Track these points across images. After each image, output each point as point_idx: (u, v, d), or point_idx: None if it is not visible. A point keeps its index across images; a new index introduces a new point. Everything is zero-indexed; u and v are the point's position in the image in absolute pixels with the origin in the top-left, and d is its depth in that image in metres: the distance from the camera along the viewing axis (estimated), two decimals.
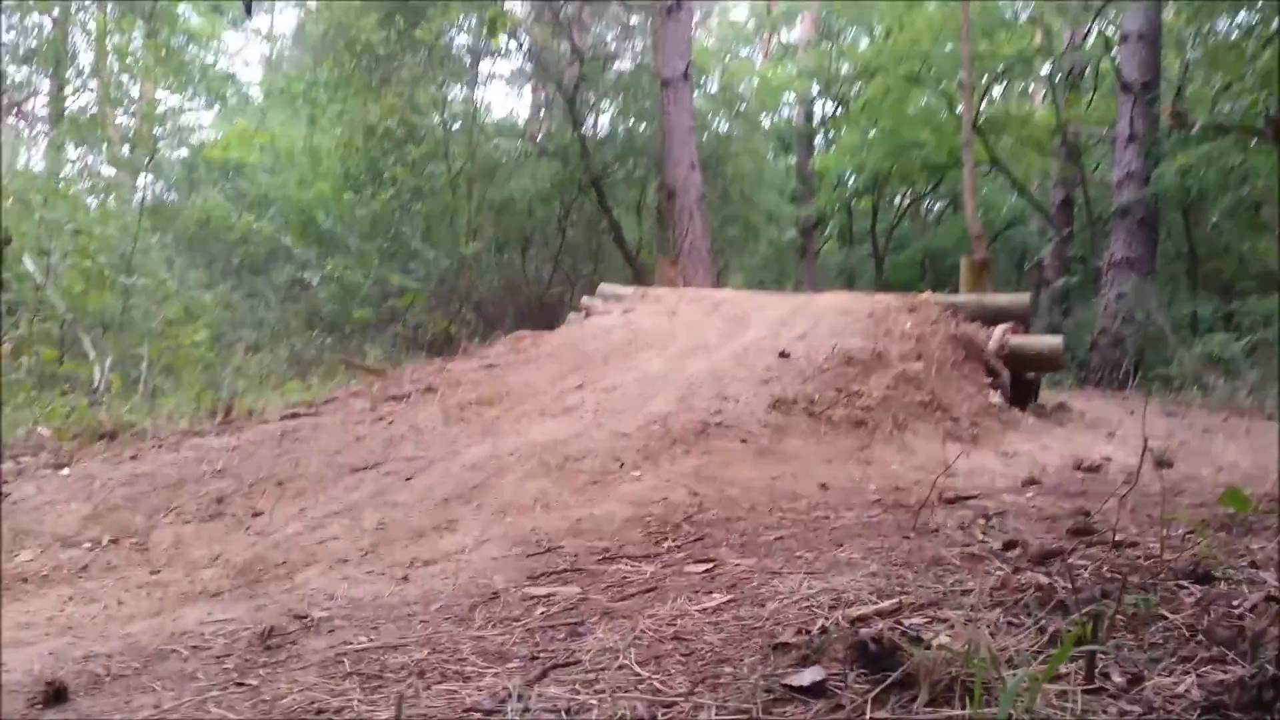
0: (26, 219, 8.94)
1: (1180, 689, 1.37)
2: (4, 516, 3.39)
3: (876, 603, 1.85)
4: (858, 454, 4.21)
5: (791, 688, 1.45)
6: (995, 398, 5.91)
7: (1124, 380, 11.43)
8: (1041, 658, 1.50)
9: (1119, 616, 1.65)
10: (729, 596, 2.07)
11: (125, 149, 18.82)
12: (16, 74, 18.58)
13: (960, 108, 16.21)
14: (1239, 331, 10.73)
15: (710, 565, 2.38)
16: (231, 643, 2.13)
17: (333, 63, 15.24)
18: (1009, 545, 2.41)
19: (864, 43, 22.30)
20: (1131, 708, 1.33)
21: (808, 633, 1.68)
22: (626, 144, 17.43)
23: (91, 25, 18.09)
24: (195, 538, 3.25)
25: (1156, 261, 13.22)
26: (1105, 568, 2.10)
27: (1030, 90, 21.83)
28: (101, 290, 8.84)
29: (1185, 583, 1.93)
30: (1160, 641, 1.58)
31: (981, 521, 2.80)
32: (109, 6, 17.19)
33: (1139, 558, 2.20)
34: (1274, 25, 10.94)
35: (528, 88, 20.70)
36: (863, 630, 1.60)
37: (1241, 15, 12.83)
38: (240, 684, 1.85)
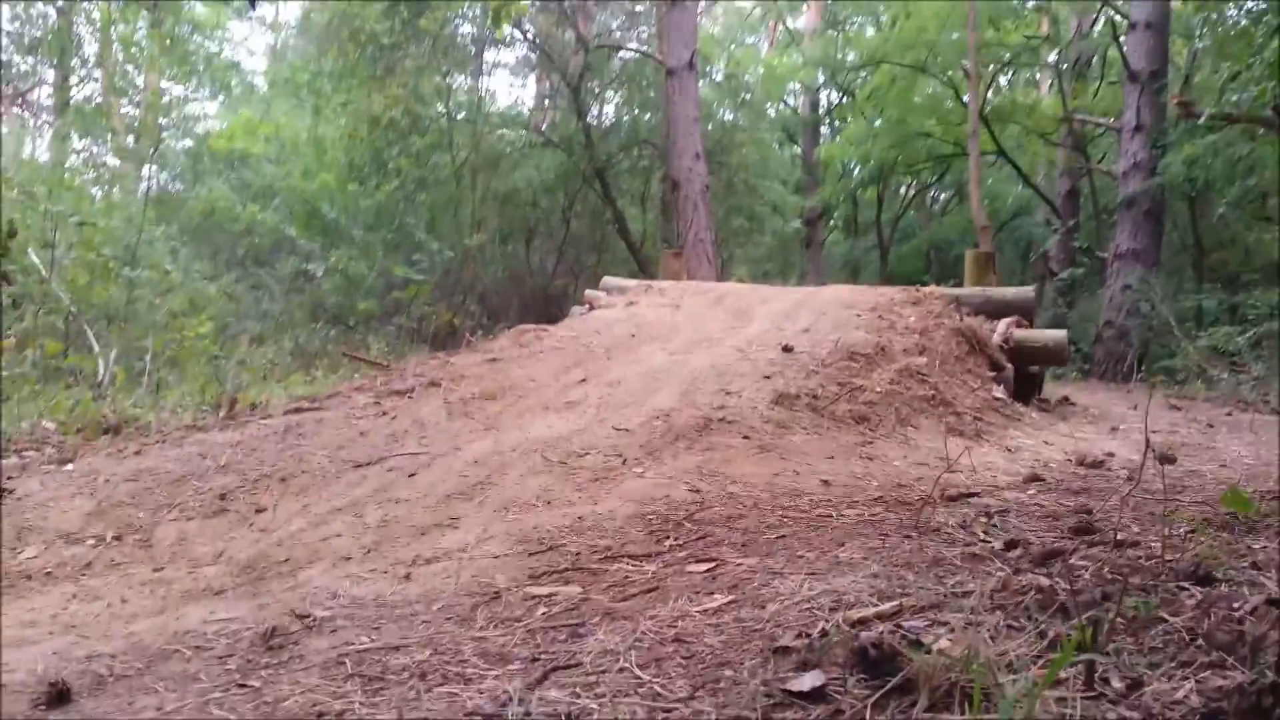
0: (31, 211, 8.95)
1: (1179, 695, 1.38)
2: (8, 513, 3.40)
3: (877, 605, 1.85)
4: (860, 449, 4.20)
5: (791, 693, 1.46)
6: (999, 392, 5.90)
7: (1128, 373, 11.41)
8: (1041, 662, 1.50)
9: (1119, 620, 1.65)
10: (730, 597, 2.07)
11: (130, 139, 18.85)
12: (22, 64, 18.61)
13: (966, 97, 16.15)
14: (1244, 324, 10.68)
15: (712, 565, 2.39)
16: (234, 643, 2.13)
17: (337, 52, 15.23)
18: (1010, 545, 2.41)
19: (870, 31, 22.22)
20: (1131, 714, 1.33)
21: (808, 636, 1.68)
22: (631, 134, 17.41)
23: (96, 15, 18.10)
24: (198, 534, 3.26)
25: (1162, 253, 13.18)
26: (1106, 568, 2.10)
27: (1037, 79, 21.74)
28: (106, 283, 8.87)
29: (1186, 584, 1.93)
30: (1160, 646, 1.58)
31: (983, 520, 2.79)
32: None
33: (1140, 558, 2.20)
34: None
35: (532, 77, 20.67)
36: (863, 634, 1.60)
37: (1250, 3, 12.77)
38: (243, 685, 1.86)
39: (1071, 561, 2.19)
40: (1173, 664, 1.48)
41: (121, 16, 17.22)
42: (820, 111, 23.85)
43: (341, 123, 15.87)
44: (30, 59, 18.96)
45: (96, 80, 19.22)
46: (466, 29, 17.14)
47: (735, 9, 26.47)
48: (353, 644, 2.04)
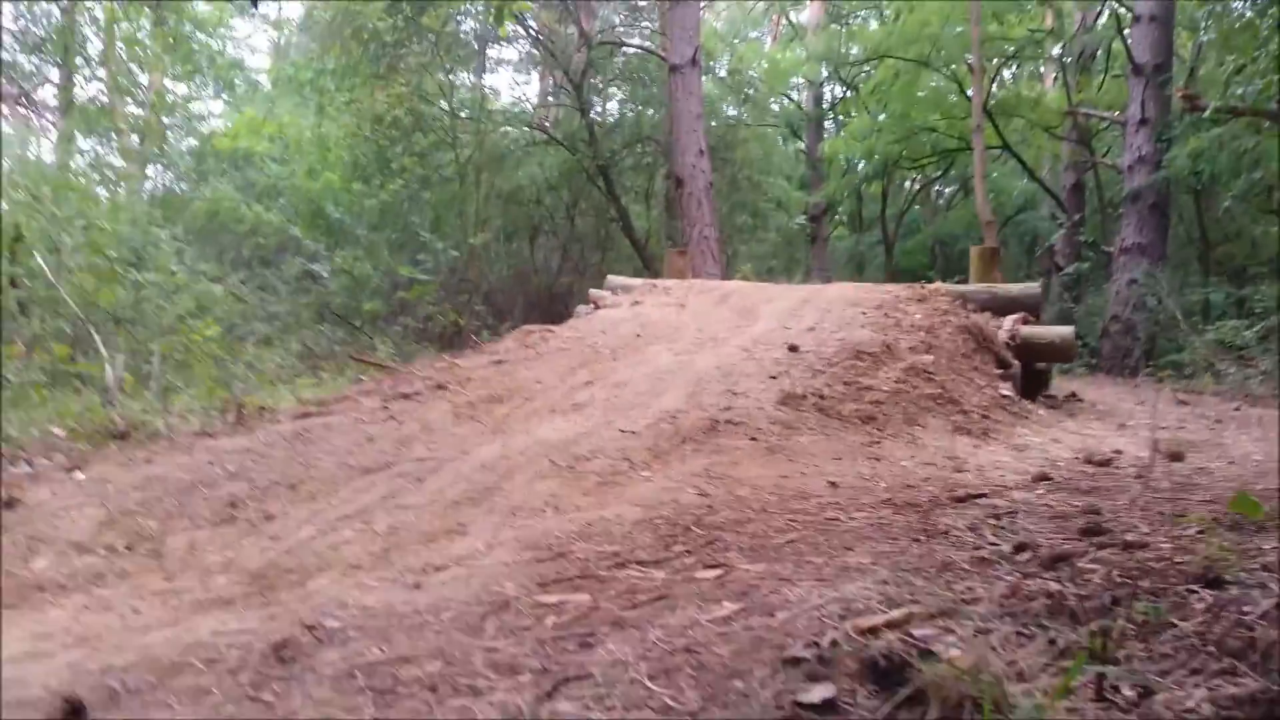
0: (37, 214, 8.97)
1: (1190, 703, 1.38)
2: (21, 523, 3.42)
3: (886, 612, 1.85)
4: (867, 450, 4.21)
5: (802, 705, 1.46)
6: (1006, 389, 5.90)
7: (1135, 367, 11.39)
8: (1052, 671, 1.51)
9: (1129, 626, 1.66)
10: (739, 605, 2.07)
11: (135, 139, 18.89)
12: (26, 63, 18.65)
13: (970, 91, 16.13)
14: (1251, 317, 10.66)
15: (721, 571, 2.39)
16: (246, 655, 2.14)
17: (340, 50, 15.24)
18: (1019, 548, 2.41)
19: (873, 25, 22.17)
20: None
21: (818, 645, 1.69)
22: (634, 130, 17.41)
23: (99, 14, 18.12)
24: (209, 543, 3.27)
25: (1168, 247, 13.14)
26: (1115, 572, 2.10)
27: (1041, 73, 21.68)
28: (112, 286, 8.89)
29: (1196, 587, 1.93)
30: (1170, 652, 1.58)
31: (992, 522, 2.80)
32: None
33: (1149, 560, 2.20)
34: None
35: (535, 74, 20.67)
36: (873, 644, 1.61)
37: None
38: (255, 699, 1.87)
39: (1080, 565, 2.19)
40: (1184, 671, 1.48)
41: (125, 15, 17.25)
42: (824, 106, 23.82)
43: (345, 121, 15.90)
44: (34, 58, 19.00)
45: (101, 80, 19.25)
46: (469, 25, 17.16)
47: (738, 4, 26.45)
48: (363, 656, 2.05)
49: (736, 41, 24.31)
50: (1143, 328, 12.17)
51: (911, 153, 19.84)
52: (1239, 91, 12.42)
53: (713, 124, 17.50)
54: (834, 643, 1.67)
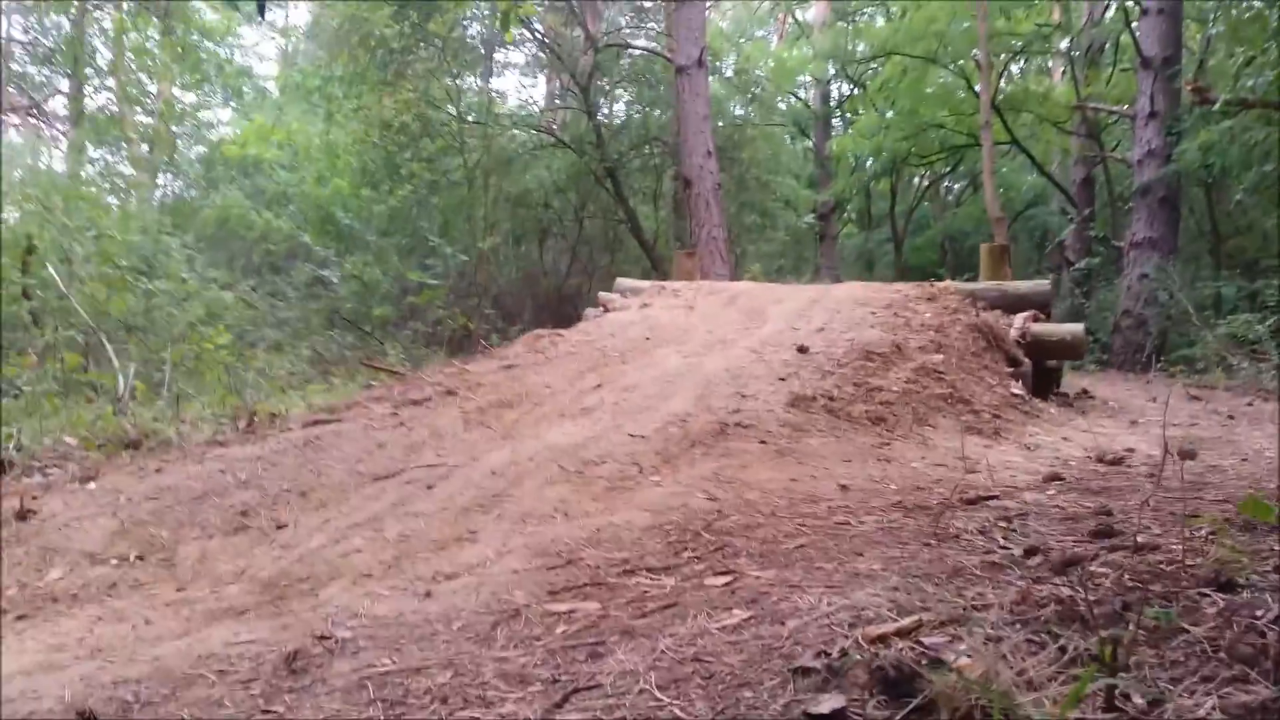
0: (48, 224, 9.03)
1: (1201, 712, 1.37)
2: (35, 534, 3.44)
3: (896, 620, 1.85)
4: (877, 451, 4.20)
5: (811, 715, 1.46)
6: (1016, 388, 5.88)
7: (1147, 363, 11.34)
8: (1062, 679, 1.50)
9: (1140, 632, 1.65)
10: (749, 613, 2.07)
11: (144, 147, 18.99)
12: (36, 74, 18.77)
13: (978, 87, 16.07)
14: (1264, 311, 10.59)
15: (730, 578, 2.39)
16: (257, 665, 2.15)
17: (347, 57, 15.29)
18: (1030, 552, 2.40)
19: (880, 22, 22.12)
20: None
21: (827, 655, 1.68)
22: (641, 132, 17.41)
23: (108, 24, 18.21)
24: (220, 552, 3.28)
25: (1179, 240, 13.08)
26: (1126, 575, 2.09)
27: (1049, 67, 21.59)
28: (124, 294, 8.94)
29: (1207, 591, 1.92)
30: (1181, 659, 1.57)
31: (1002, 525, 2.79)
32: (125, 5, 17.28)
33: (1161, 563, 2.19)
34: None
35: (542, 77, 20.69)
36: (883, 653, 1.60)
37: None
38: (266, 711, 1.87)
39: (1092, 569, 2.18)
40: (1194, 679, 1.47)
41: (133, 25, 17.34)
42: (831, 104, 23.78)
43: (353, 127, 15.95)
44: (44, 69, 19.12)
45: (110, 89, 19.36)
46: (475, 30, 17.19)
47: (744, 3, 26.42)
48: (374, 666, 2.06)
49: (743, 41, 24.29)
50: (1154, 322, 12.11)
51: (920, 149, 19.79)
52: (1249, 84, 12.35)
53: (720, 124, 17.49)
54: (844, 652, 1.66)
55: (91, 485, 4.04)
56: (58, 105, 19.71)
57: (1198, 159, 11.73)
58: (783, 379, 5.06)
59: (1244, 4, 13.29)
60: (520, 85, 31.01)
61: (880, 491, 3.45)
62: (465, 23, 16.60)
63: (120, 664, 2.32)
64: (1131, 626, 1.61)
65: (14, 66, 17.89)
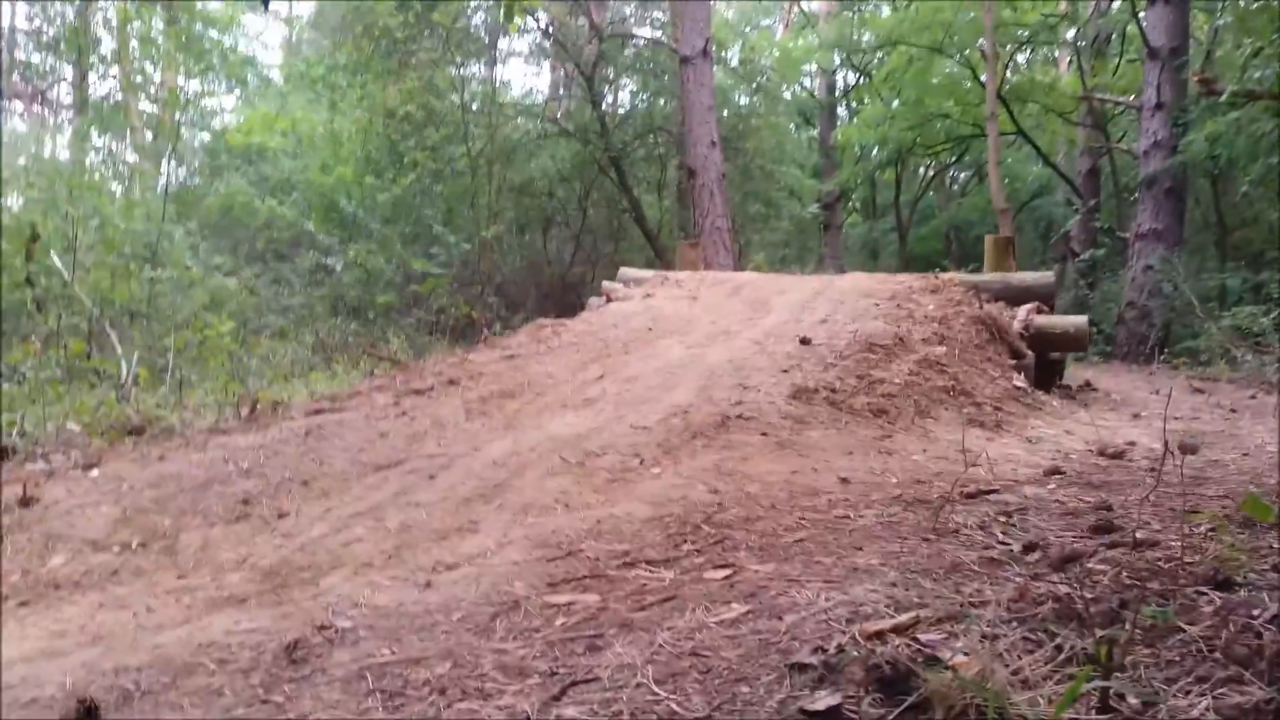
0: (53, 213, 9.04)
1: (1195, 713, 1.37)
2: (38, 520, 3.45)
3: (894, 616, 1.85)
4: (879, 444, 4.20)
5: (807, 712, 1.47)
6: (1019, 380, 5.87)
7: (1151, 354, 11.32)
8: (1057, 678, 1.50)
9: (1136, 630, 1.65)
10: (747, 607, 2.08)
11: (148, 135, 18.99)
12: (41, 62, 18.76)
13: (984, 77, 16.01)
14: (1268, 303, 10.57)
15: (729, 571, 2.39)
16: (258, 655, 2.16)
17: (351, 46, 15.26)
18: (1029, 548, 2.40)
19: (885, 11, 22.02)
20: None
21: (824, 651, 1.69)
22: (646, 121, 17.37)
23: (112, 13, 18.19)
24: (222, 540, 3.29)
25: (1184, 232, 13.03)
26: (1125, 573, 2.09)
27: (1055, 57, 21.50)
28: (127, 282, 8.95)
29: (1205, 589, 1.92)
30: (1177, 659, 1.57)
31: (1002, 519, 2.79)
32: None
33: (1159, 560, 2.19)
34: None
35: (546, 65, 20.63)
36: (879, 650, 1.61)
37: None
38: (266, 700, 1.88)
39: (1090, 565, 2.18)
40: (1189, 679, 1.47)
41: (137, 14, 17.31)
42: (837, 94, 23.70)
43: (358, 116, 15.93)
44: (49, 57, 19.11)
45: (114, 77, 19.35)
46: (480, 19, 17.14)
47: None
48: (374, 656, 2.07)
49: (748, 30, 24.18)
50: (1158, 314, 12.09)
51: (925, 139, 19.74)
52: (1256, 75, 12.28)
53: (725, 114, 17.43)
54: (840, 648, 1.67)
55: (94, 472, 4.06)
56: (62, 93, 19.72)
57: (1204, 150, 11.68)
58: (785, 371, 5.06)
59: None
60: (525, 74, 30.94)
61: (881, 485, 3.45)
62: (469, 12, 16.55)
63: (121, 652, 2.33)
64: (1128, 626, 1.61)
65: (19, 54, 17.88)
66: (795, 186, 20.95)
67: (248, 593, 2.78)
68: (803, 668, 1.63)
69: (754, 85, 19.82)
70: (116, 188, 16.84)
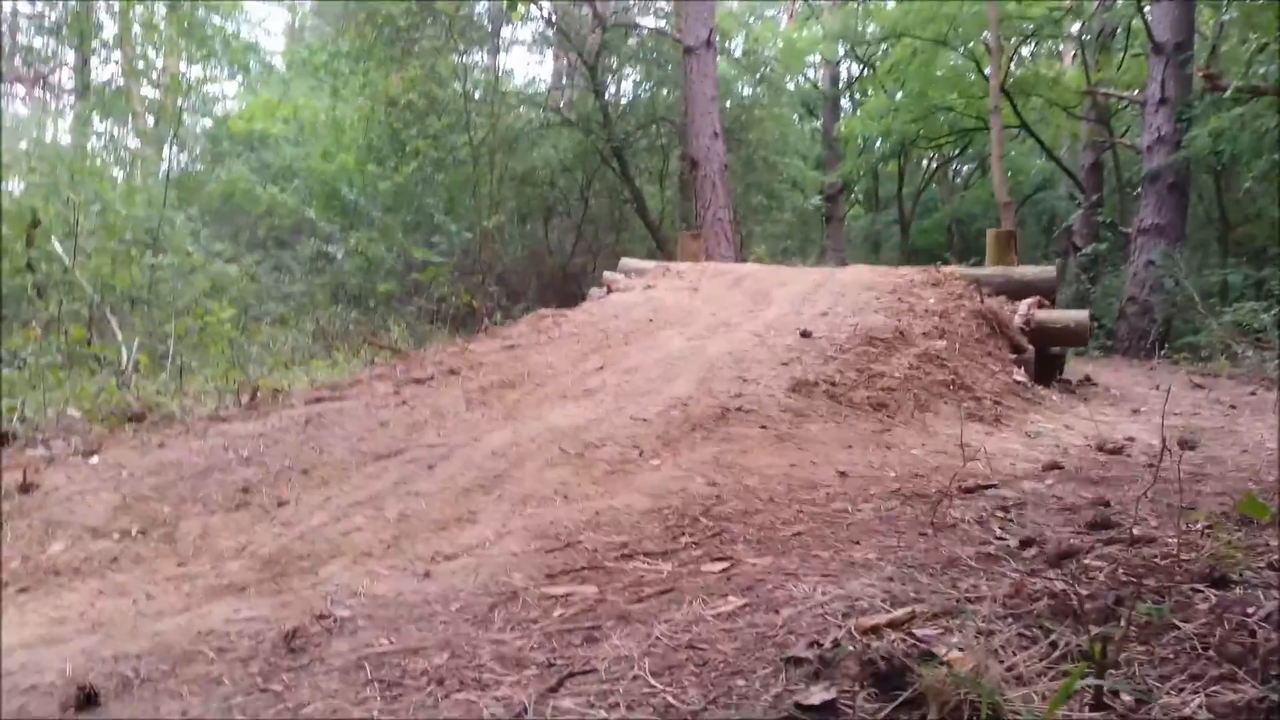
0: (54, 198, 9.03)
1: (1187, 710, 1.38)
2: (38, 507, 3.46)
3: (890, 611, 1.86)
4: (878, 437, 4.21)
5: (801, 706, 1.47)
6: (1019, 375, 5.88)
7: (1152, 350, 11.32)
8: (1051, 675, 1.51)
9: (1131, 629, 1.66)
10: (744, 600, 2.09)
11: (150, 121, 18.96)
12: (43, 46, 18.72)
13: (988, 70, 15.96)
14: (1270, 300, 10.56)
15: (727, 564, 2.40)
16: (257, 643, 2.17)
17: (354, 33, 15.21)
18: (1026, 543, 2.41)
19: (890, 3, 21.94)
20: None
21: (820, 645, 1.70)
22: (649, 112, 17.33)
23: None
24: (222, 528, 3.30)
25: (1187, 228, 13.02)
26: (1120, 569, 2.10)
27: (1059, 51, 21.43)
28: (128, 268, 8.95)
29: (1200, 586, 1.93)
30: (1171, 656, 1.58)
31: (1000, 514, 2.80)
32: None
33: (1155, 557, 2.20)
34: None
35: (549, 54, 20.58)
36: (874, 645, 1.62)
37: None
38: (264, 689, 1.89)
39: (1086, 562, 2.19)
40: (1183, 677, 1.48)
41: None
42: (840, 85, 23.63)
43: (360, 103, 15.89)
44: (51, 41, 19.06)
45: (116, 62, 19.30)
46: (483, 6, 17.09)
47: None
48: (372, 646, 2.07)
49: (752, 21, 24.09)
50: (1160, 309, 12.08)
51: (929, 132, 19.69)
52: (1261, 70, 12.25)
53: (728, 104, 17.39)
54: (836, 643, 1.68)
55: (94, 459, 4.06)
56: (64, 78, 19.68)
57: (1208, 146, 11.65)
58: (785, 363, 5.07)
59: None
60: (527, 63, 30.87)
61: (879, 479, 3.46)
62: (471, 3, 16.51)
63: (121, 639, 2.34)
64: (1123, 623, 1.62)
65: (20, 38, 17.85)
66: (798, 178, 20.91)
67: (247, 581, 2.79)
68: (798, 662, 1.64)
69: (757, 76, 19.77)
70: (118, 173, 16.83)
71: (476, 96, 15.83)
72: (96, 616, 2.57)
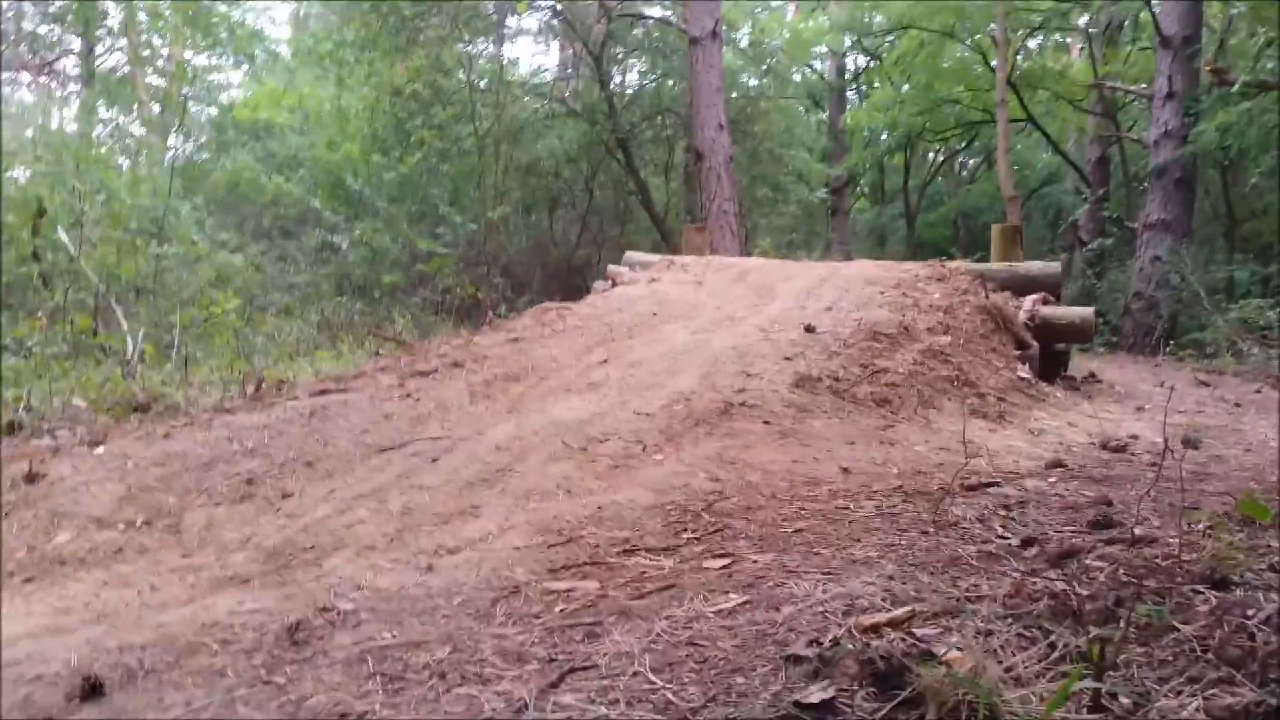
0: (59, 187, 9.04)
1: (1185, 713, 1.39)
2: (43, 497, 3.48)
3: (890, 610, 1.87)
4: (881, 434, 4.21)
5: (800, 705, 1.48)
6: (1023, 371, 5.87)
7: (1157, 346, 11.30)
8: (1050, 676, 1.52)
9: (1130, 631, 1.66)
10: (745, 598, 2.10)
11: (155, 109, 18.96)
12: (48, 33, 18.72)
13: (995, 63, 15.91)
14: (1276, 296, 10.53)
15: (728, 561, 2.41)
16: (260, 636, 2.18)
17: (359, 22, 15.19)
18: (1027, 542, 2.41)
19: None
20: None
21: (820, 644, 1.70)
22: (654, 103, 17.28)
23: None
24: (226, 520, 3.31)
25: (1193, 223, 12.98)
26: (1121, 570, 2.10)
27: (1067, 44, 21.34)
28: (134, 258, 8.96)
29: (1201, 588, 1.93)
30: (1170, 658, 1.58)
31: (1002, 513, 2.80)
32: None
33: (1156, 557, 2.20)
34: None
35: (555, 44, 20.52)
36: (874, 644, 1.62)
37: None
38: (268, 682, 1.90)
39: (1087, 562, 2.19)
40: (1181, 679, 1.49)
41: None
42: (847, 77, 23.55)
43: (365, 93, 15.87)
44: (56, 29, 19.04)
45: (122, 50, 19.29)
46: None
47: None
48: (375, 639, 2.09)
49: (758, 11, 24.01)
50: (1165, 305, 12.06)
51: (935, 125, 19.63)
52: (1269, 65, 12.20)
53: (733, 96, 17.35)
54: (836, 641, 1.68)
55: (99, 449, 4.08)
56: (69, 65, 19.66)
57: (1215, 141, 11.61)
58: (789, 359, 5.07)
59: None
60: (533, 53, 30.81)
61: (882, 475, 3.47)
62: None
63: (126, 630, 2.35)
64: (1122, 624, 1.62)
65: (25, 25, 17.84)
66: (803, 170, 20.86)
67: (251, 573, 2.81)
68: (798, 660, 1.64)
69: (763, 67, 19.71)
70: (123, 162, 16.84)
71: (482, 86, 15.80)
72: (101, 607, 2.59)
